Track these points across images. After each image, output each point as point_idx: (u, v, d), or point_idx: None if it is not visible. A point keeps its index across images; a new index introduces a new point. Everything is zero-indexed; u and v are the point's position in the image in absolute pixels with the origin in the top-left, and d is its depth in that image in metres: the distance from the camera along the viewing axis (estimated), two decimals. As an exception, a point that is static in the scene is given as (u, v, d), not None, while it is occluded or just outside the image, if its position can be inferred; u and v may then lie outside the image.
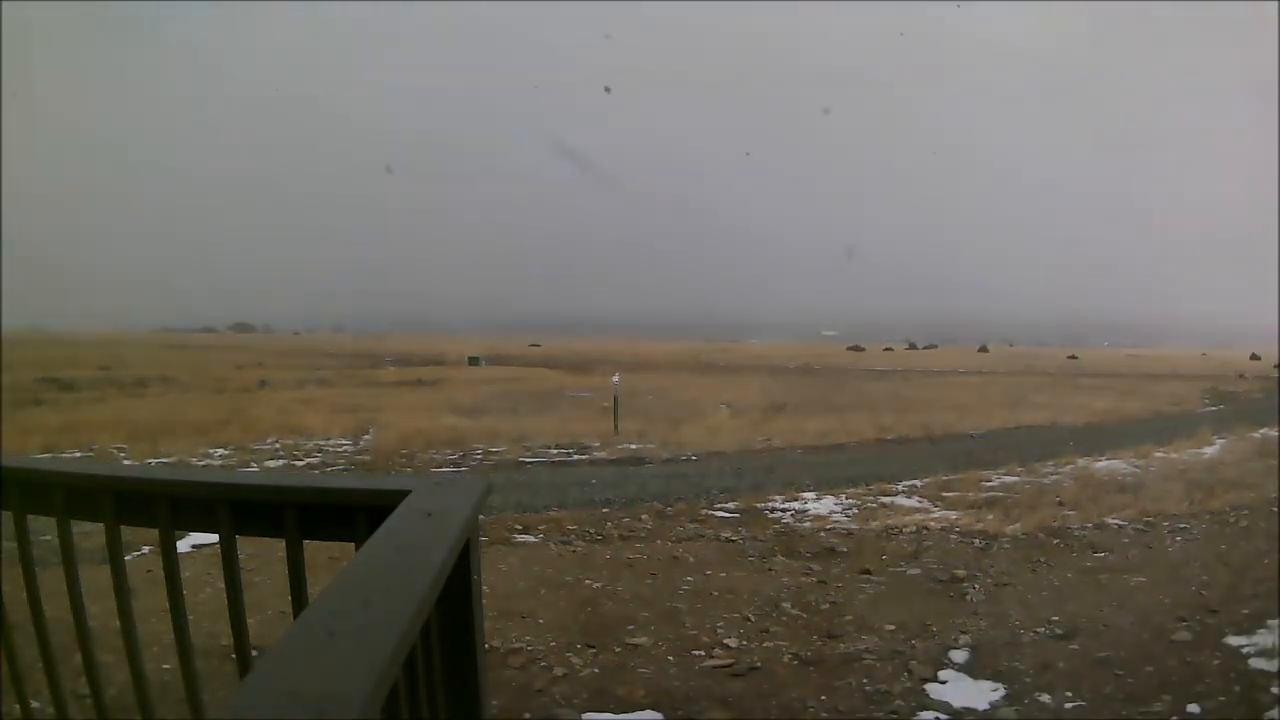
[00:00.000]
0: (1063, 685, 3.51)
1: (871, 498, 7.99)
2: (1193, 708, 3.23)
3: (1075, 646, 3.99)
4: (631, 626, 4.33)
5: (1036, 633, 4.20)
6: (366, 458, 10.74)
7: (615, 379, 15.62)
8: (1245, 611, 4.29)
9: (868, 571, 5.39)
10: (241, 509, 1.33)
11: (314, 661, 0.68)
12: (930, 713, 3.33)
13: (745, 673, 3.75)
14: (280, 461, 10.45)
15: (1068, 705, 3.34)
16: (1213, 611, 4.33)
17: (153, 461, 9.58)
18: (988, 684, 3.58)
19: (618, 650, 4.02)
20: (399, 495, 1.17)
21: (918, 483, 8.75)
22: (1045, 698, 3.42)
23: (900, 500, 7.90)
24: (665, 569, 5.44)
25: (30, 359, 25.37)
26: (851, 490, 8.35)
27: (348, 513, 1.25)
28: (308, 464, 10.30)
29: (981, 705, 3.38)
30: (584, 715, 3.32)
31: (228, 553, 1.34)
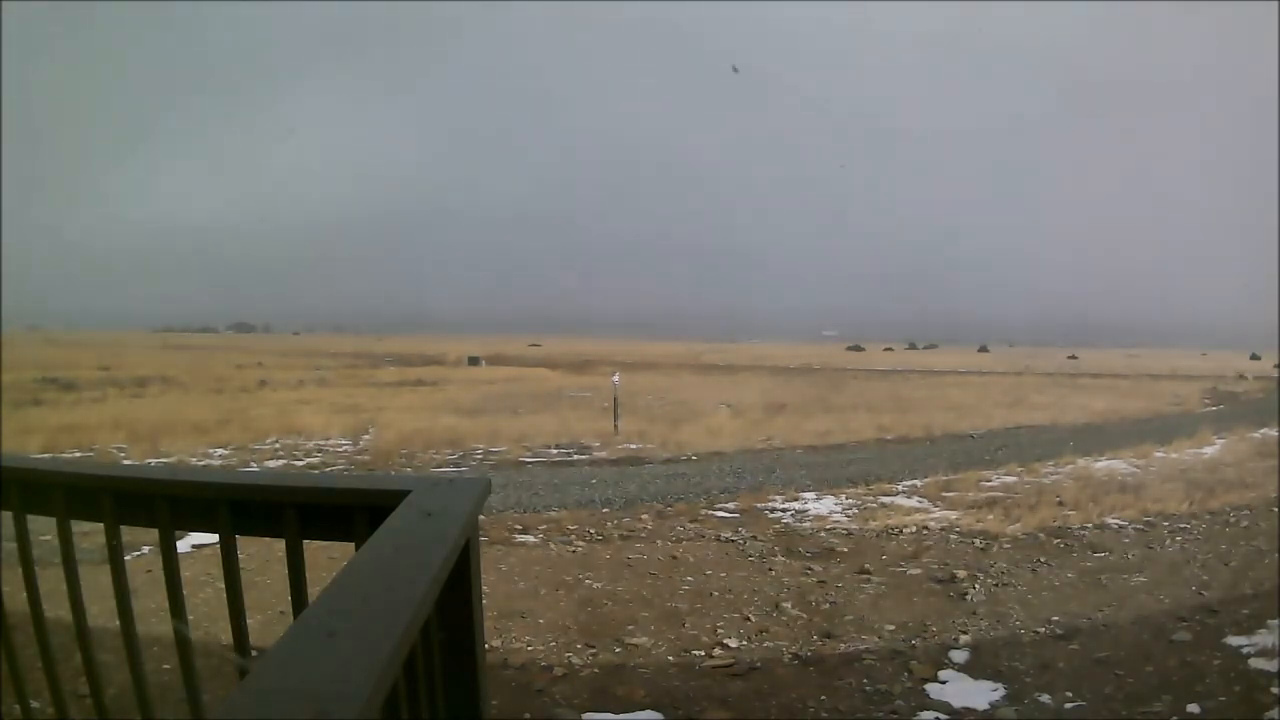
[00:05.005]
0: (1063, 685, 3.51)
1: (871, 498, 7.99)
2: (1193, 708, 3.22)
3: (1075, 646, 3.99)
4: (631, 626, 4.33)
5: (1037, 633, 4.21)
6: (366, 457, 10.74)
7: (615, 379, 15.62)
8: (1245, 611, 4.29)
9: (868, 571, 5.39)
10: (241, 509, 1.33)
11: (314, 661, 0.68)
12: (930, 713, 3.33)
13: (745, 673, 3.75)
14: (280, 461, 10.45)
15: (1068, 705, 3.34)
16: (1213, 611, 4.34)
17: (153, 461, 9.59)
18: (988, 684, 3.58)
19: (618, 650, 4.02)
20: (399, 495, 1.17)
21: (918, 483, 8.76)
22: (1045, 698, 3.42)
23: (900, 500, 7.90)
24: (665, 569, 5.44)
25: (30, 359, 25.39)
26: (851, 490, 8.36)
27: (348, 513, 1.25)
28: (308, 464, 10.30)
29: (981, 705, 3.38)
30: (584, 715, 3.32)
31: (228, 553, 1.33)
